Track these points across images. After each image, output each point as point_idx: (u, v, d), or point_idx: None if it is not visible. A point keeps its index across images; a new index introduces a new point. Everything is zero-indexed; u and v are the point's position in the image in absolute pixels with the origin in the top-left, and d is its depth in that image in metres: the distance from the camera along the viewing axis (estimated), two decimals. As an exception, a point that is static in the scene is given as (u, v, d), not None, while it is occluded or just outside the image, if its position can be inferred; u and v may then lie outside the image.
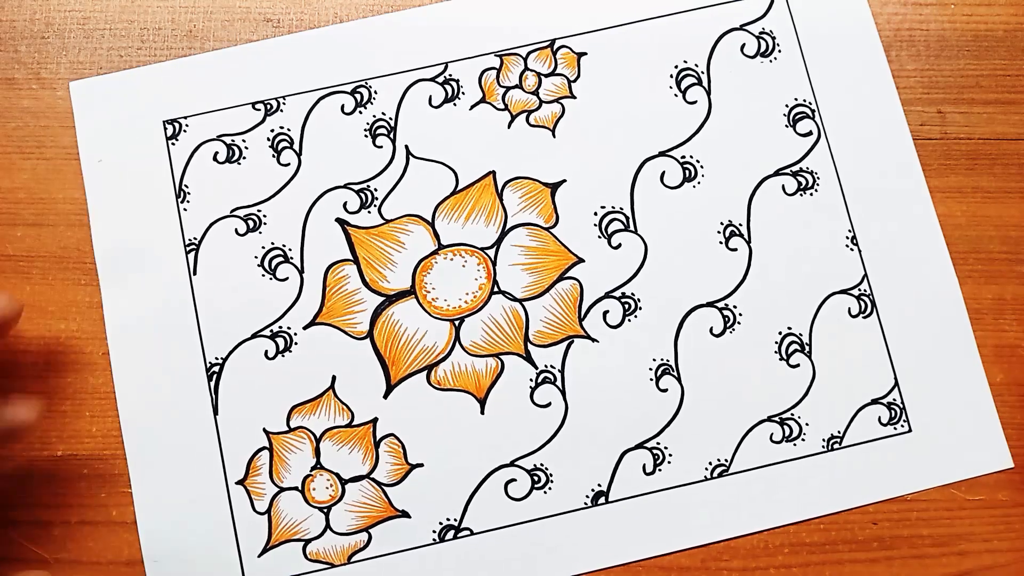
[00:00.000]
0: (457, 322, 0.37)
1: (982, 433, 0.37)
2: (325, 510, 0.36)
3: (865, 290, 0.38)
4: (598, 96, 0.39)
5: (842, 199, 0.38)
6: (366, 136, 0.38)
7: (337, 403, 0.37)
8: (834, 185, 0.38)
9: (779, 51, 0.39)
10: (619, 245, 0.38)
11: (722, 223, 0.38)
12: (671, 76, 0.39)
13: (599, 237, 0.38)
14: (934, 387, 0.37)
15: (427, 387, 0.37)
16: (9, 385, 0.37)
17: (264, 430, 0.37)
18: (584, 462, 0.36)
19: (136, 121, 0.38)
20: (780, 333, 0.38)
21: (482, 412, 0.37)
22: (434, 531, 0.36)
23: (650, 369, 0.37)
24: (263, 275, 0.38)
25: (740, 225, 0.38)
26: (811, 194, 0.38)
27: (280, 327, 0.37)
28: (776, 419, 0.37)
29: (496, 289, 0.38)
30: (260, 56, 0.39)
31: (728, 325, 0.38)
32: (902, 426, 0.37)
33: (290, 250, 0.38)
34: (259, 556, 0.36)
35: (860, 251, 0.38)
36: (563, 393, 0.37)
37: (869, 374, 0.37)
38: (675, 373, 0.37)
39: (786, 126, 0.39)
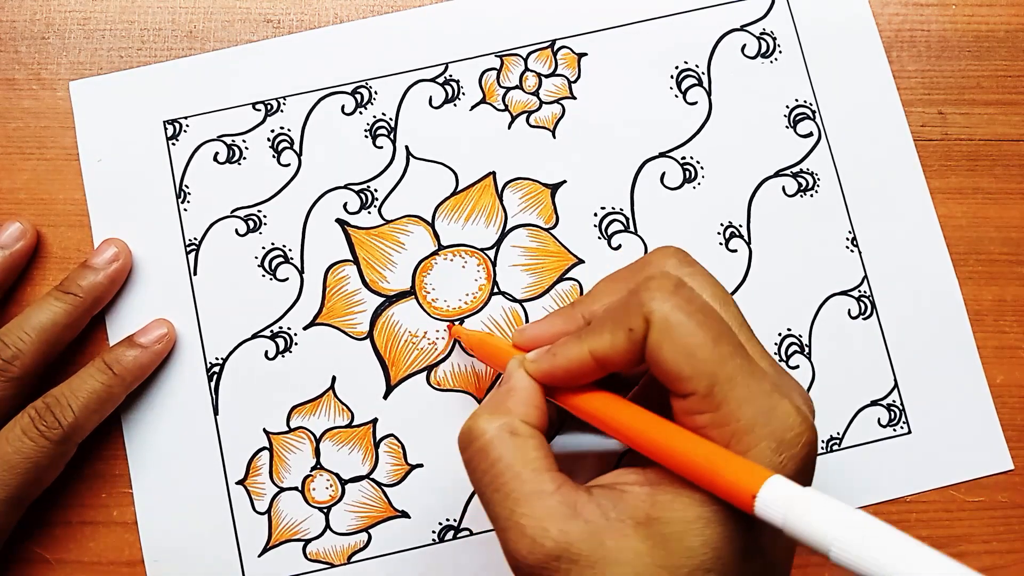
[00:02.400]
0: (457, 323, 0.37)
1: (982, 435, 0.37)
2: (325, 510, 0.36)
3: (865, 291, 0.38)
4: (598, 97, 0.39)
5: (842, 200, 0.38)
6: (366, 136, 0.38)
7: (337, 403, 0.37)
8: (834, 186, 0.38)
9: (780, 52, 0.39)
10: (619, 246, 0.38)
11: (722, 224, 0.38)
12: (671, 77, 0.39)
13: (599, 238, 0.38)
14: (934, 389, 0.37)
15: (427, 388, 0.37)
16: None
17: (264, 430, 0.37)
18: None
19: (136, 121, 0.38)
20: (780, 334, 0.38)
21: (482, 413, 0.37)
22: (434, 531, 0.36)
23: (650, 370, 0.37)
24: (263, 275, 0.38)
25: (740, 226, 0.38)
26: (811, 195, 0.38)
27: (280, 327, 0.37)
28: (776, 420, 0.37)
29: (496, 290, 0.38)
30: (260, 56, 0.39)
31: (728, 326, 0.37)
32: (902, 428, 0.37)
33: (290, 250, 0.38)
34: (259, 556, 0.36)
35: (860, 252, 0.38)
36: (563, 394, 0.37)
37: (869, 375, 0.37)
38: (675, 374, 0.37)
39: (786, 127, 0.39)
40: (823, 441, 0.37)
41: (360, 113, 0.39)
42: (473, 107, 0.39)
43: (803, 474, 0.24)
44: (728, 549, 0.24)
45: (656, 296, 0.25)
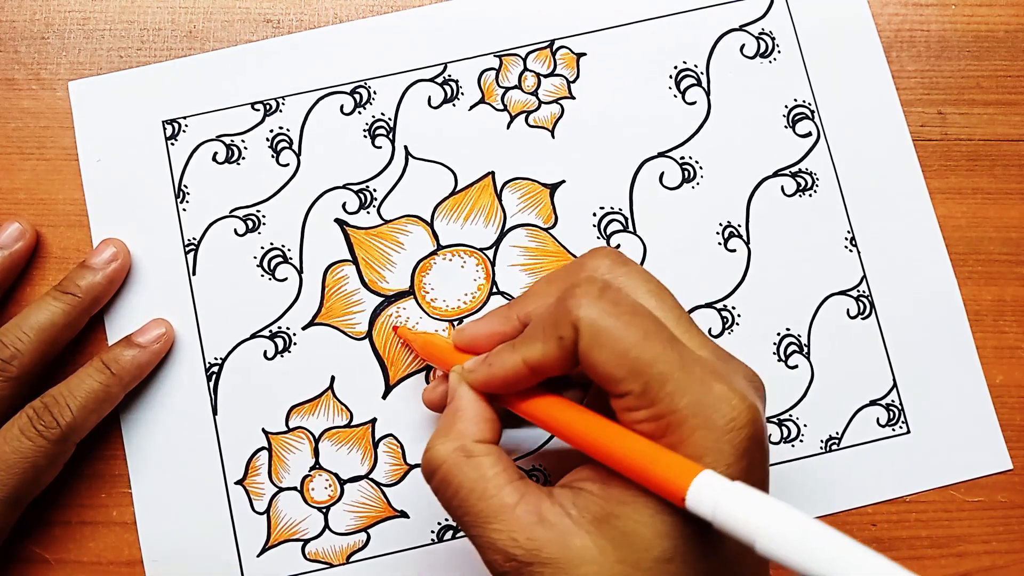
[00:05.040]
0: (456, 322, 0.37)
1: (981, 435, 0.37)
2: (324, 510, 0.36)
3: (864, 291, 0.38)
4: (597, 97, 0.39)
5: (841, 200, 0.38)
6: (365, 136, 0.38)
7: (336, 403, 0.37)
8: (833, 186, 0.38)
9: (779, 52, 0.39)
10: (618, 246, 0.38)
11: (721, 224, 0.38)
12: (670, 77, 0.39)
13: (598, 238, 0.38)
14: (933, 388, 0.37)
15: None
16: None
17: (263, 430, 0.37)
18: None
19: (135, 121, 0.38)
20: (779, 334, 0.38)
21: (481, 413, 0.37)
22: (432, 531, 0.36)
23: (649, 370, 0.37)
24: (262, 275, 0.38)
25: (739, 226, 0.38)
26: (810, 195, 0.38)
27: (279, 327, 0.37)
28: (775, 420, 0.37)
29: (495, 290, 0.38)
30: (260, 56, 0.39)
31: (727, 326, 0.38)
32: (901, 427, 0.37)
33: (289, 250, 0.38)
34: (258, 556, 0.36)
35: (859, 252, 0.38)
36: (562, 394, 0.37)
37: (868, 375, 0.37)
38: (674, 374, 0.37)
39: (785, 127, 0.39)
40: (822, 441, 0.37)
41: (359, 113, 0.39)
42: (472, 107, 0.39)
43: (747, 456, 0.24)
44: (683, 538, 0.24)
45: (583, 303, 0.26)
